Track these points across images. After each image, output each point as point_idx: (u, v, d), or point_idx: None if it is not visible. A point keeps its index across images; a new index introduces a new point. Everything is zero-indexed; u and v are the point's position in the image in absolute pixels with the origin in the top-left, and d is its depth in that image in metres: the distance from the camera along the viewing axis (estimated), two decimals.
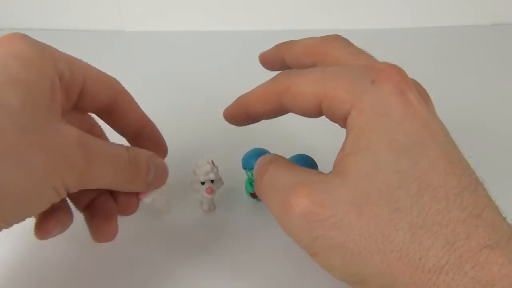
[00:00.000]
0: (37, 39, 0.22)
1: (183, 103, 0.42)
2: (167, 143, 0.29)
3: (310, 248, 0.19)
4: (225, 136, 0.37)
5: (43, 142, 0.20)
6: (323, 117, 0.21)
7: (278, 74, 0.22)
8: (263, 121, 0.25)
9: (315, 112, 0.21)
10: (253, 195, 0.30)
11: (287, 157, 0.24)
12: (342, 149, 0.20)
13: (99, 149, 0.22)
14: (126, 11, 0.55)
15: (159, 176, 0.26)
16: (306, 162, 0.26)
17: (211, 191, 0.29)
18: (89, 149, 0.21)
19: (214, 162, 0.29)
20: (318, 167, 0.26)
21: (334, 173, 0.19)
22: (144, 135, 0.28)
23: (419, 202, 0.17)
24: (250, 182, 0.30)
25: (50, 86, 0.21)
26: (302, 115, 0.22)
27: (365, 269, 0.17)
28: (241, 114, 0.24)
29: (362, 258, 0.17)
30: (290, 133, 0.37)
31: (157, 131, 0.29)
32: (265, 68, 0.27)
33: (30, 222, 0.22)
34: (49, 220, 0.24)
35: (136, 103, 0.27)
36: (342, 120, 0.20)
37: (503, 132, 0.38)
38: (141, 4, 0.54)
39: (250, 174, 0.29)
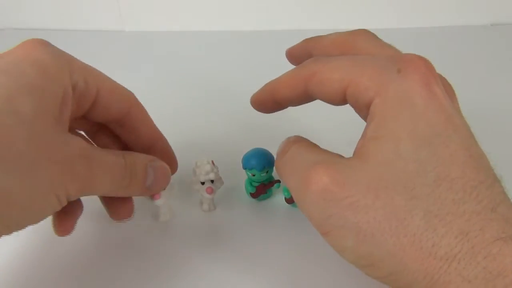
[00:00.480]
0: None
1: (183, 103, 0.42)
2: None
3: (323, 226, 0.19)
4: (225, 136, 0.37)
5: (50, 152, 0.20)
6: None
7: (306, 60, 0.22)
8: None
9: (339, 99, 0.21)
10: (253, 195, 0.30)
11: None
12: (363, 136, 0.20)
13: (100, 159, 0.22)
14: (126, 11, 0.55)
15: (159, 180, 0.26)
16: None
17: (211, 191, 0.29)
18: (91, 160, 0.22)
19: (214, 162, 0.29)
20: None
21: (355, 157, 0.20)
22: (155, 150, 0.28)
23: (435, 191, 0.17)
24: (250, 182, 0.30)
25: (62, 95, 0.22)
26: (326, 101, 0.22)
27: (376, 252, 0.18)
28: (268, 100, 0.24)
29: (375, 240, 0.18)
30: (290, 134, 0.37)
31: (168, 146, 0.29)
32: (291, 63, 0.26)
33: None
34: (68, 219, 0.25)
35: (150, 117, 0.28)
36: (364, 108, 0.20)
37: (503, 131, 0.38)
38: (141, 4, 0.54)
39: (250, 174, 0.29)
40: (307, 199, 0.19)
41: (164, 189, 0.27)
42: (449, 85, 0.22)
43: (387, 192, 0.18)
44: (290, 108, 0.25)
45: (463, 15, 0.55)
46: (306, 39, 0.25)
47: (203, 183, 0.29)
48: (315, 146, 0.22)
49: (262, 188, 0.30)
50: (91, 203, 0.26)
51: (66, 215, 0.25)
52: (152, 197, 0.27)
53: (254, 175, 0.29)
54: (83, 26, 0.55)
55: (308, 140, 0.23)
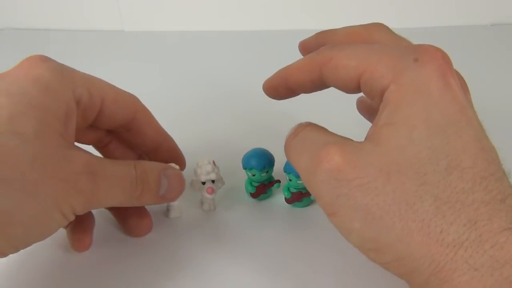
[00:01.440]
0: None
1: (183, 103, 0.42)
2: None
3: (330, 206, 0.19)
4: (226, 136, 0.37)
5: (53, 170, 0.20)
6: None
7: (322, 47, 0.22)
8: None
9: (353, 86, 0.21)
10: (253, 195, 0.30)
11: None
12: (375, 123, 0.20)
13: (107, 172, 0.22)
14: (126, 11, 0.55)
15: (174, 188, 0.26)
16: None
17: (212, 191, 0.29)
18: (97, 175, 0.22)
19: (215, 162, 0.29)
20: None
21: (367, 141, 0.19)
22: (162, 151, 0.28)
23: (446, 179, 0.17)
24: (250, 182, 0.30)
25: (65, 111, 0.22)
26: (340, 89, 0.22)
27: (383, 236, 0.18)
28: (281, 85, 0.24)
29: (383, 224, 0.18)
30: None
31: (175, 145, 0.29)
32: (303, 55, 0.26)
33: None
34: (84, 234, 0.26)
35: (155, 120, 0.28)
36: (378, 95, 0.20)
37: (504, 131, 0.38)
38: (141, 4, 0.54)
39: (250, 174, 0.29)
40: (317, 178, 0.19)
41: None
42: (463, 78, 0.22)
43: (399, 176, 0.18)
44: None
45: (463, 15, 0.55)
46: (320, 32, 0.25)
47: (204, 183, 0.29)
48: (327, 130, 0.22)
49: (262, 188, 0.30)
50: None
51: (81, 230, 0.26)
52: None
53: (254, 175, 0.29)
54: (83, 26, 0.55)
55: (321, 126, 0.23)
